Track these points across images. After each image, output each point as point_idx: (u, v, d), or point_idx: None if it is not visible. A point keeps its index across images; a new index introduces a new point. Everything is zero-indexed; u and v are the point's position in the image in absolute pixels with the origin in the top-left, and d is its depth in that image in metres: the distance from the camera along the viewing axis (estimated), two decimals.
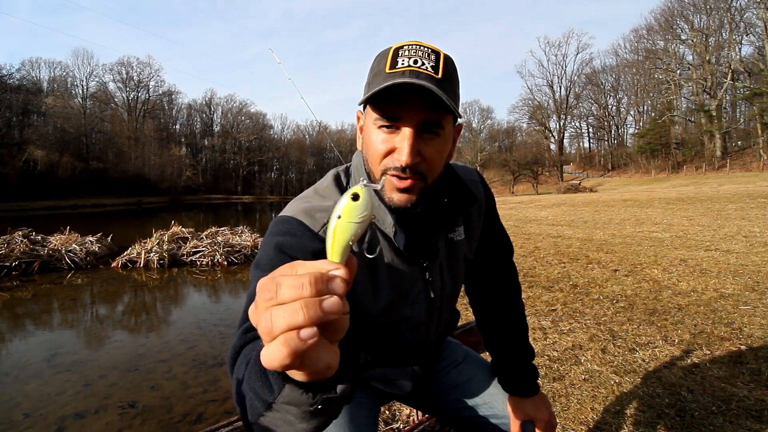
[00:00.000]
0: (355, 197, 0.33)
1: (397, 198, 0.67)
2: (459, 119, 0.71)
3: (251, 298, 0.57)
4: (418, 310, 0.79)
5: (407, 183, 0.65)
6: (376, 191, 0.70)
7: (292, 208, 0.71)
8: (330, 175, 0.79)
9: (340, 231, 0.33)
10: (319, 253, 0.64)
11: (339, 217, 0.33)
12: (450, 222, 0.80)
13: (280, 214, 0.71)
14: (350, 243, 0.33)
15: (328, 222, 0.34)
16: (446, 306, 0.85)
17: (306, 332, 0.28)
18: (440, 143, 0.67)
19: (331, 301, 0.29)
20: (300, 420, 0.39)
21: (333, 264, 0.32)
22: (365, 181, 0.35)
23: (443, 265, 0.81)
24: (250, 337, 0.51)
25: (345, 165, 0.82)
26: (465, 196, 0.78)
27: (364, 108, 0.71)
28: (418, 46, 0.65)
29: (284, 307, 0.29)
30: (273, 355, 0.29)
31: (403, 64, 0.63)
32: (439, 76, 0.63)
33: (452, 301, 0.87)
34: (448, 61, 0.66)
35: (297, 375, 0.34)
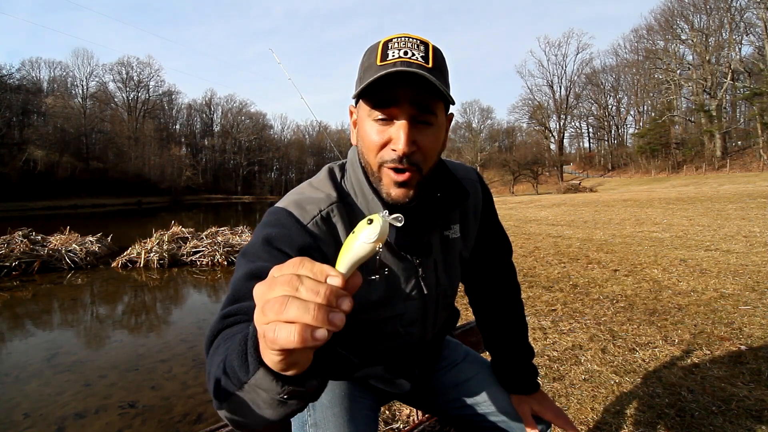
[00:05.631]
0: (369, 221, 0.36)
1: (395, 193, 0.68)
2: (451, 106, 0.71)
3: (236, 286, 0.59)
4: (412, 306, 0.79)
5: (405, 176, 0.66)
6: (372, 186, 0.71)
7: (284, 200, 0.74)
8: (325, 170, 0.80)
9: (355, 249, 0.35)
10: (307, 247, 0.65)
11: (353, 232, 0.35)
12: (444, 218, 0.80)
13: (273, 205, 0.73)
14: (358, 261, 0.35)
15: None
16: (442, 303, 0.85)
17: (321, 333, 0.31)
18: (434, 132, 0.67)
19: (340, 317, 0.32)
20: (267, 406, 0.41)
21: (336, 271, 0.34)
22: (385, 213, 0.37)
23: (438, 262, 0.81)
24: (228, 323, 0.53)
25: (341, 161, 0.83)
26: (457, 191, 0.79)
27: (357, 103, 0.71)
28: (407, 38, 0.65)
29: (300, 303, 0.31)
30: (283, 336, 0.31)
31: (393, 55, 0.63)
32: (430, 65, 0.63)
33: (449, 298, 0.87)
34: (437, 51, 0.67)
35: (276, 364, 0.35)
